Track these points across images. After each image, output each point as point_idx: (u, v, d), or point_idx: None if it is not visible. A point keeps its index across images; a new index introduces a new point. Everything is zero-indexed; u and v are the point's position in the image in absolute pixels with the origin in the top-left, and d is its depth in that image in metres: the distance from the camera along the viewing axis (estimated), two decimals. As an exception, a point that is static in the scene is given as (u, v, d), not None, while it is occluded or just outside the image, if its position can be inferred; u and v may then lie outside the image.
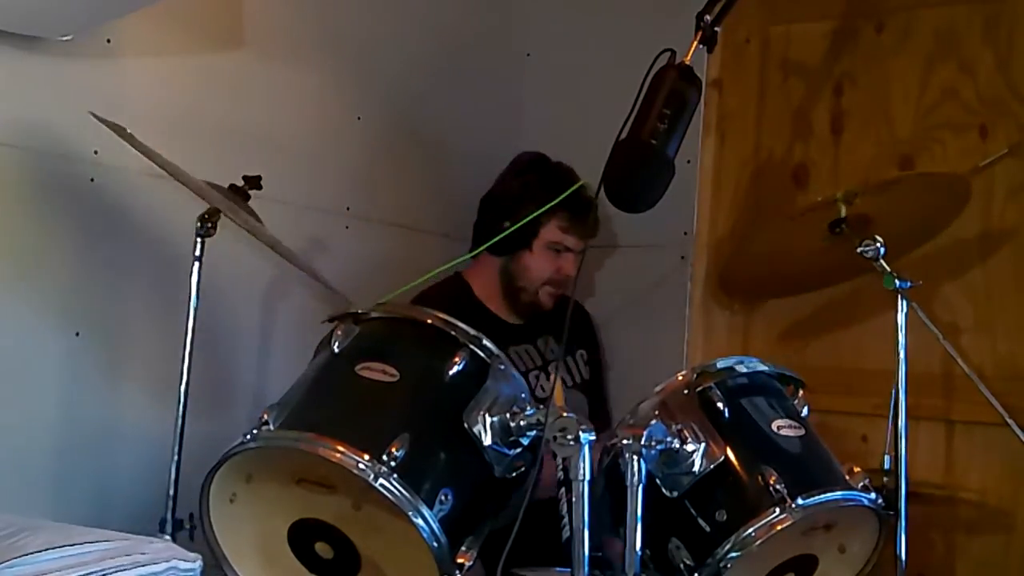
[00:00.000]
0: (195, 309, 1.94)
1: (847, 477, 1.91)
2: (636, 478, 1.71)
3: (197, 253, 1.91)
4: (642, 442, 1.72)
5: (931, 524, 2.59)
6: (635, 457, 1.72)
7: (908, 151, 2.78)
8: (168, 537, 1.86)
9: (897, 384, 2.15)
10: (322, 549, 1.74)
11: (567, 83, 3.25)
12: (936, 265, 2.61)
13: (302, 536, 1.74)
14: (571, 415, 1.66)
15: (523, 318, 2.77)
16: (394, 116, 2.90)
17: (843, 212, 2.23)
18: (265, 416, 1.69)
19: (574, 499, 1.64)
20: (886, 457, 2.33)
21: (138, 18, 2.27)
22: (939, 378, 2.61)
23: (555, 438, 1.65)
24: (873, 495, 1.90)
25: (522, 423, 1.72)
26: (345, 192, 2.77)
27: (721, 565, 1.78)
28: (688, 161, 2.94)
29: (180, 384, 1.95)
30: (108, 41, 2.25)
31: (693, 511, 1.84)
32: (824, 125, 2.89)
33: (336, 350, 1.78)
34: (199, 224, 1.91)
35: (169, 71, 2.39)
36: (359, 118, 2.80)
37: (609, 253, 3.09)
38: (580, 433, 1.63)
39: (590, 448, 1.65)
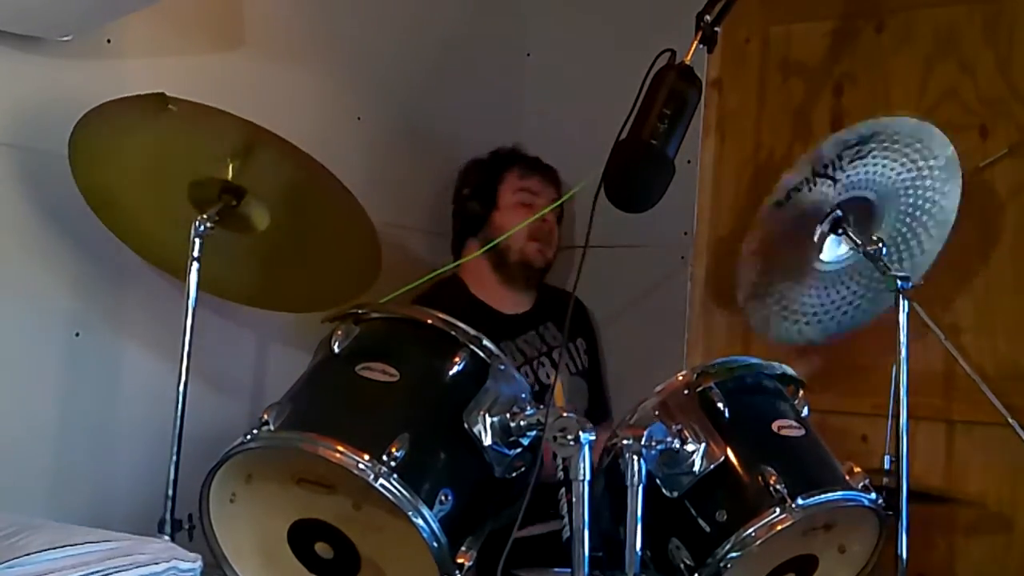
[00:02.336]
0: (193, 309, 1.93)
1: (847, 477, 1.91)
2: (636, 478, 1.71)
3: (196, 253, 1.90)
4: (642, 442, 1.72)
5: (931, 524, 2.59)
6: (635, 457, 1.71)
7: (908, 151, 2.78)
8: (167, 537, 1.86)
9: (898, 384, 2.14)
10: (322, 549, 1.74)
11: (567, 83, 3.25)
12: (936, 265, 2.61)
13: (302, 536, 1.74)
14: (571, 415, 1.66)
15: (523, 285, 2.80)
16: (394, 116, 2.90)
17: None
18: (265, 416, 1.69)
19: (574, 499, 1.64)
20: (886, 457, 2.34)
21: (138, 18, 2.27)
22: (940, 378, 2.61)
23: (555, 438, 1.65)
24: (873, 495, 1.90)
25: (522, 423, 1.72)
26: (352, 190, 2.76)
27: (721, 565, 1.78)
28: (688, 161, 2.94)
29: (179, 383, 1.94)
30: (108, 41, 2.25)
31: (693, 511, 1.84)
32: (824, 125, 2.88)
33: (336, 350, 1.78)
34: (197, 224, 1.90)
35: (169, 71, 2.38)
36: (359, 118, 2.80)
37: (609, 253, 3.09)
38: (580, 433, 1.63)
39: (590, 448, 1.65)
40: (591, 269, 3.05)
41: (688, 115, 1.78)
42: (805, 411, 2.01)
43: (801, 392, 2.03)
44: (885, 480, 2.31)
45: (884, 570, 2.04)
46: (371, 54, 2.83)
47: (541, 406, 1.72)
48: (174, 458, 1.92)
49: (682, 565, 1.83)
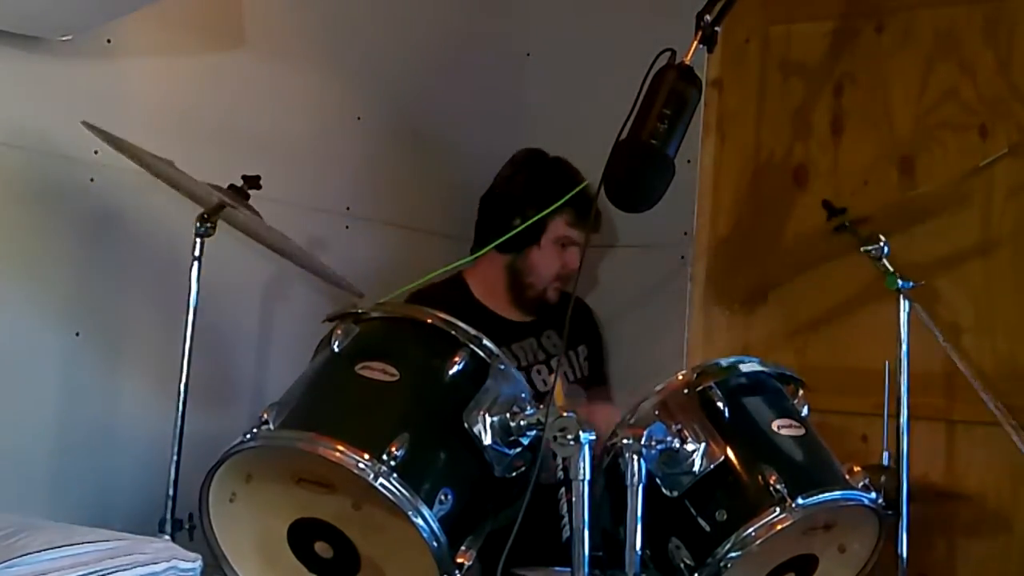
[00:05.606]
0: (195, 309, 1.93)
1: (847, 477, 1.91)
2: (636, 478, 1.71)
3: (196, 253, 1.91)
4: (642, 442, 1.72)
5: (932, 524, 2.59)
6: (635, 457, 1.71)
7: (908, 151, 2.77)
8: (168, 537, 1.86)
9: (899, 384, 2.14)
10: (322, 549, 1.73)
11: (567, 83, 3.24)
12: (936, 265, 2.62)
13: (302, 535, 1.74)
14: (571, 415, 1.65)
15: (528, 314, 2.77)
16: (394, 116, 2.90)
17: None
18: (265, 416, 1.69)
19: (574, 499, 1.64)
20: (885, 454, 2.34)
21: (138, 18, 2.27)
22: (940, 378, 2.60)
23: (555, 438, 1.65)
24: (873, 495, 1.90)
25: (522, 423, 1.72)
26: (346, 192, 2.76)
27: (721, 565, 1.78)
28: (688, 161, 2.93)
29: (180, 383, 1.95)
30: (108, 41, 2.26)
31: (693, 511, 1.84)
32: (824, 125, 2.88)
33: (336, 350, 1.79)
34: (199, 224, 1.91)
35: (169, 71, 2.39)
36: (359, 118, 2.80)
37: (609, 253, 3.09)
38: (580, 433, 1.63)
39: (590, 448, 1.65)
40: (591, 269, 3.11)
41: (688, 115, 1.77)
42: (805, 411, 2.01)
43: (801, 392, 2.04)
44: (883, 478, 2.32)
45: (884, 570, 2.05)
46: (371, 54, 2.83)
47: (541, 406, 1.72)
48: (175, 458, 1.92)
49: (682, 565, 1.84)
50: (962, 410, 2.62)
